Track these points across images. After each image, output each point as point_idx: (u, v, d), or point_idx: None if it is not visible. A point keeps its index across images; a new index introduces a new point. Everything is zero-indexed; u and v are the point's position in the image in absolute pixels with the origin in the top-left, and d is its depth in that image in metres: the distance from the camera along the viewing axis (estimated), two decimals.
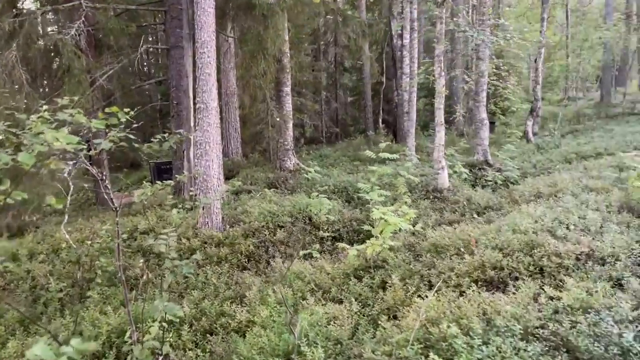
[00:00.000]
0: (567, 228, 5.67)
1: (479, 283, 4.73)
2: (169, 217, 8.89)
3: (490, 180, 10.57)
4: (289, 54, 14.48)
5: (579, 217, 6.06)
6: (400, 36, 22.12)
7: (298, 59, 21.36)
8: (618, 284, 4.24)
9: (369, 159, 16.37)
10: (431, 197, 9.65)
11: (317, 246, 7.59)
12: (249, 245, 7.59)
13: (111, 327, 4.88)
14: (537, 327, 3.41)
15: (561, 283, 4.43)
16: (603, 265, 4.71)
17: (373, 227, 6.15)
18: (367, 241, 6.32)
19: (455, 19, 10.71)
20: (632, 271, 4.45)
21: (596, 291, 3.95)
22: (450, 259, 5.41)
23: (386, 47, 26.05)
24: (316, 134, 25.91)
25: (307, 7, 13.93)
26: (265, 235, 7.92)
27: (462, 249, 5.60)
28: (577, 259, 4.83)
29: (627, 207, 6.93)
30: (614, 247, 4.99)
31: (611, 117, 22.38)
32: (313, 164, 14.79)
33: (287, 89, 14.61)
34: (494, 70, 19.00)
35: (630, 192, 7.22)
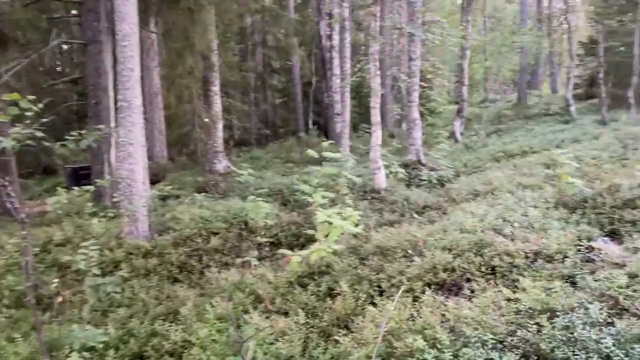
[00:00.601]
0: (512, 226, 5.61)
1: (432, 286, 4.49)
2: (89, 226, 8.07)
3: (425, 180, 10.57)
4: (217, 51, 13.88)
5: (521, 215, 6.04)
6: (330, 37, 22.03)
7: (226, 59, 20.72)
8: (572, 282, 4.15)
9: (302, 161, 16.13)
10: (369, 197, 9.46)
11: (255, 253, 7.14)
12: (180, 255, 7.00)
13: (20, 358, 4.19)
14: (505, 334, 3.20)
15: (515, 283, 4.29)
16: (552, 262, 4.63)
17: (316, 231, 5.80)
18: (311, 246, 5.97)
19: (391, 14, 10.61)
20: (583, 268, 4.39)
21: (555, 291, 3.82)
22: (399, 261, 5.16)
23: (314, 49, 25.95)
24: (246, 136, 25.27)
25: (236, 3, 13.40)
26: (198, 243, 7.35)
27: (409, 251, 5.38)
28: (527, 257, 4.73)
29: (562, 203, 7.04)
30: (559, 244, 4.96)
31: (529, 118, 23.45)
32: (245, 167, 14.26)
33: (216, 88, 14.00)
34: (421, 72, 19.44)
35: (564, 188, 7.36)
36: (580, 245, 5.04)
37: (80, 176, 13.50)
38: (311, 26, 24.46)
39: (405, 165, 12.13)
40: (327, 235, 5.30)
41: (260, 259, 7.40)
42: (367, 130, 24.18)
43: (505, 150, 13.33)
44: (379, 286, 4.85)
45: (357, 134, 22.28)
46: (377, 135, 9.66)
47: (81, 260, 3.83)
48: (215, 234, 7.69)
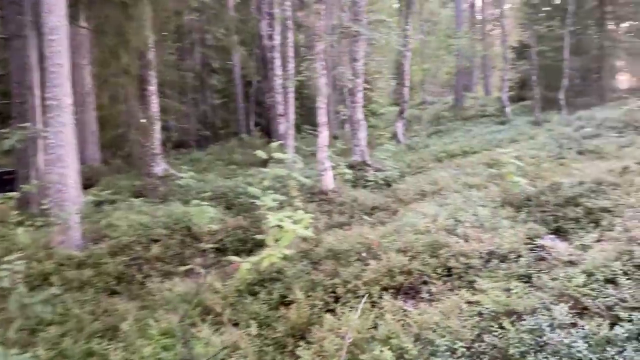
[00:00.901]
0: (464, 226, 5.58)
1: (390, 290, 4.35)
2: (14, 237, 7.39)
3: (372, 180, 10.53)
4: (154, 49, 13.27)
5: (471, 214, 6.04)
6: (271, 37, 21.67)
7: (163, 57, 19.96)
8: (529, 282, 4.13)
9: (246, 163, 15.74)
10: (317, 199, 9.28)
11: (200, 260, 6.78)
12: (117, 265, 6.52)
13: None
14: (471, 340, 3.08)
15: (472, 284, 4.23)
16: (506, 262, 4.61)
17: (265, 235, 5.54)
18: (259, 251, 5.71)
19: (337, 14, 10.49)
20: (537, 267, 4.39)
21: (514, 292, 3.76)
22: (354, 265, 4.99)
23: (255, 49, 25.55)
24: (185, 137, 24.47)
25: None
26: (138, 251, 6.89)
27: (363, 254, 5.23)
28: (482, 257, 4.69)
29: (507, 202, 7.14)
30: (511, 243, 4.96)
31: (466, 119, 24.13)
32: (185, 169, 13.73)
33: (153, 87, 13.38)
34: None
35: (509, 187, 7.48)
36: (532, 244, 5.07)
37: (3, 181, 12.47)
38: (252, 25, 24.03)
39: (350, 166, 12.05)
40: (278, 240, 5.05)
41: (205, 266, 7.04)
42: (310, 131, 24.14)
43: (447, 151, 13.56)
44: (334, 292, 4.65)
45: (301, 135, 22.12)
46: (324, 136, 9.50)
47: (4, 277, 3.37)
48: (156, 241, 7.25)
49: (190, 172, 12.48)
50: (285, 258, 5.50)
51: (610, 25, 19.02)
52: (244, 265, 5.07)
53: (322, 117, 9.49)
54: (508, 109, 19.00)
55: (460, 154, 13.21)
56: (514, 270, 4.36)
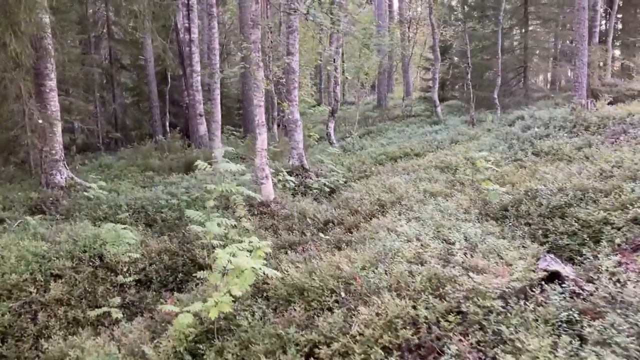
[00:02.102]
0: (457, 249, 4.56)
1: (395, 353, 3.19)
2: None
3: (316, 188, 9.36)
4: (52, 39, 11.25)
5: (457, 232, 5.05)
6: (188, 30, 20.01)
7: (64, 50, 17.58)
8: (579, 335, 3.13)
9: (164, 168, 13.98)
10: (256, 212, 7.97)
11: (118, 300, 5.26)
12: (2, 315, 4.86)
13: None
14: None
15: (503, 339, 3.18)
16: (530, 301, 3.62)
17: (210, 272, 4.20)
18: (196, 284, 4.38)
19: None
20: (575, 308, 3.43)
21: (567, 350, 2.75)
22: (334, 312, 3.78)
23: (169, 44, 23.53)
24: (92, 140, 22.02)
25: None
26: (31, 293, 5.23)
27: (342, 294, 4.03)
28: (499, 295, 3.66)
29: (484, 213, 6.27)
30: (523, 272, 4.00)
31: (393, 120, 23.73)
32: (93, 178, 11.81)
33: (52, 83, 11.33)
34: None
35: (482, 195, 6.61)
36: (546, 271, 4.13)
37: None
38: (166, 16, 22.04)
39: (287, 172, 10.83)
40: (233, 281, 3.75)
41: (124, 306, 5.54)
42: (233, 132, 22.60)
43: (387, 153, 12.71)
44: (313, 355, 3.42)
45: (223, 136, 20.53)
46: (262, 139, 8.19)
47: None
48: (58, 277, 5.62)
49: (99, 181, 10.68)
50: (236, 299, 4.21)
51: (533, 26, 19.24)
52: (182, 319, 3.71)
53: (259, 116, 8.18)
54: (439, 109, 18.65)
55: (401, 156, 12.40)
56: (550, 314, 3.36)
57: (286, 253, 6.12)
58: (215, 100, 11.85)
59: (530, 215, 5.93)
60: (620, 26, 27.27)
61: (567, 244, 5.19)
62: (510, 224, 5.82)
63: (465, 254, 4.37)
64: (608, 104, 12.26)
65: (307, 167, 11.31)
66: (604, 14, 21.29)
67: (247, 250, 4.07)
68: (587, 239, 5.10)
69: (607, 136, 8.89)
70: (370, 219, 6.89)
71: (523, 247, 4.96)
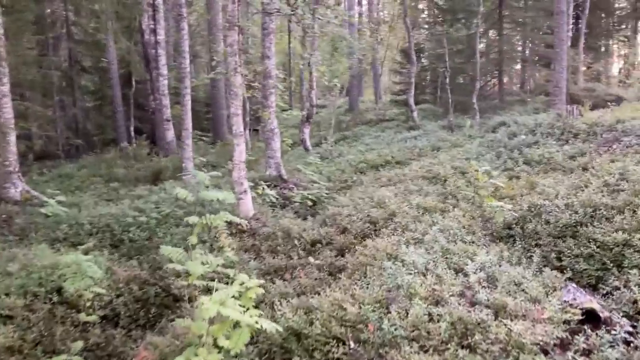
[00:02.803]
0: (474, 282, 4.01)
1: None
2: None
3: (298, 202, 8.72)
4: (3, 40, 10.30)
5: (470, 260, 4.51)
6: (154, 31, 19.13)
7: (18, 53, 16.46)
8: None
9: (130, 179, 13.10)
10: (235, 230, 7.29)
11: (80, 343, 4.51)
12: None
13: None
14: None
15: None
16: (580, 355, 3.09)
17: (190, 305, 3.53)
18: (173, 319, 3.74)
19: None
20: None
21: None
22: None
23: (134, 46, 22.49)
24: (51, 147, 20.77)
25: None
26: None
27: (351, 343, 3.43)
28: (540, 347, 3.11)
29: (489, 234, 5.77)
30: (555, 312, 3.48)
31: (366, 124, 23.29)
32: (52, 191, 10.86)
33: (4, 88, 10.38)
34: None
35: (485, 212, 6.12)
36: (578, 310, 3.62)
37: None
38: (131, 17, 21.04)
39: (265, 182, 10.17)
40: (226, 338, 3.10)
41: (87, 349, 4.79)
42: (202, 137, 21.71)
43: (367, 161, 12.17)
44: None
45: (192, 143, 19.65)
46: (240, 150, 7.52)
47: None
48: (8, 318, 4.81)
49: (59, 196, 9.77)
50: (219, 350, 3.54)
51: (507, 30, 19.10)
52: None
53: (237, 126, 7.50)
54: (415, 114, 18.27)
55: (382, 164, 11.88)
56: None
57: (272, 281, 5.49)
58: (185, 106, 11.08)
59: (538, 235, 5.46)
60: (586, 30, 27.64)
61: (585, 269, 4.73)
62: (520, 245, 5.33)
63: (485, 287, 3.84)
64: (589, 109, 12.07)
65: (286, 178, 10.69)
66: (573, 19, 21.38)
67: (237, 292, 3.42)
68: (609, 263, 4.64)
69: (600, 144, 8.58)
70: (363, 239, 6.31)
71: (539, 271, 4.48)
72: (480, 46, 21.10)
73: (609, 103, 12.60)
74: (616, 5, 26.61)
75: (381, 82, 37.56)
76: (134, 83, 22.25)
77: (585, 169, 7.45)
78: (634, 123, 8.76)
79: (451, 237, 5.35)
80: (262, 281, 3.74)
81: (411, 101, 18.46)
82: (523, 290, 3.88)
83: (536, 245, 5.30)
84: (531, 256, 5.07)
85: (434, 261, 4.52)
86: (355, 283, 4.45)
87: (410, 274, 4.14)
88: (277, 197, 8.68)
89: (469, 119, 15.41)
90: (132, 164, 14.30)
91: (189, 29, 34.36)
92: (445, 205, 7.09)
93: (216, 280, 3.51)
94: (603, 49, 28.28)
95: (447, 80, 16.19)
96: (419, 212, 6.80)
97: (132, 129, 21.46)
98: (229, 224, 7.46)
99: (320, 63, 15.52)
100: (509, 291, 3.84)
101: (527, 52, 19.11)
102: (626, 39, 24.68)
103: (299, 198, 8.69)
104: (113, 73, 20.52)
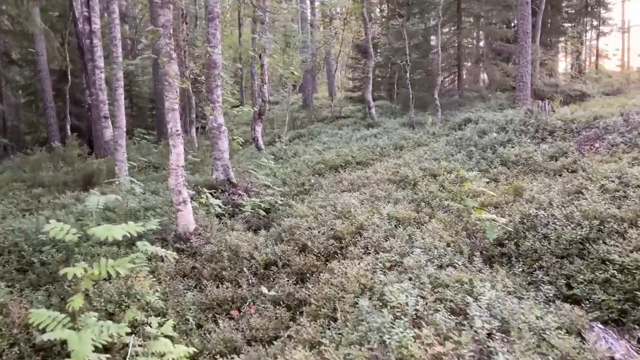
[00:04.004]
0: (483, 332, 3.01)
1: None
2: None
3: (250, 211, 7.53)
4: None
5: (466, 293, 3.52)
6: (88, 20, 17.43)
7: None
8: None
9: (57, 184, 11.51)
10: (172, 248, 6.05)
11: None
12: None
13: None
14: None
15: None
16: None
17: None
18: None
19: None
20: None
21: None
22: None
23: (68, 36, 20.57)
24: None
25: None
26: None
27: None
28: None
29: (478, 250, 4.81)
30: None
31: (321, 121, 22.28)
32: None
33: None
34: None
35: (477, 227, 5.15)
36: None
37: None
38: (64, 4, 19.22)
39: (210, 188, 8.94)
40: None
41: None
42: (145, 136, 20.06)
43: (325, 161, 11.08)
44: None
45: (133, 141, 18.01)
46: (177, 152, 6.27)
47: None
48: None
49: None
50: None
51: (465, 24, 18.49)
52: None
53: (173, 123, 6.25)
54: (373, 110, 17.37)
55: (342, 164, 10.83)
56: None
57: (215, 320, 4.33)
58: (118, 101, 9.63)
59: (537, 254, 4.55)
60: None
61: (603, 300, 3.84)
62: (519, 268, 4.40)
63: (499, 340, 2.83)
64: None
65: (235, 182, 9.48)
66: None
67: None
68: (633, 291, 3.76)
69: (580, 143, 7.84)
70: (327, 260, 5.25)
71: (549, 302, 3.55)
72: (435, 40, 20.48)
73: (585, 98, 12.06)
74: (564, 3, 26.67)
75: (335, 79, 36.67)
76: (69, 77, 20.36)
77: (572, 171, 6.66)
78: (615, 120, 8.08)
79: (436, 259, 4.35)
80: (190, 349, 2.60)
81: (369, 97, 17.54)
82: (548, 342, 2.91)
83: (539, 267, 4.38)
84: (535, 283, 4.14)
85: (422, 297, 3.49)
86: (323, 332, 3.36)
87: (397, 319, 3.08)
88: (223, 206, 7.45)
89: (430, 115, 14.61)
90: (61, 167, 12.67)
91: (134, 20, 32.32)
92: (420, 215, 6.11)
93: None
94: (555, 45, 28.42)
95: (408, 75, 15.33)
96: (390, 225, 5.79)
97: (68, 126, 19.59)
98: (164, 240, 6.24)
99: (271, 52, 14.32)
100: (532, 347, 2.85)
101: (483, 46, 18.55)
102: (578, 35, 24.69)
103: (249, 207, 7.50)
104: (42, 65, 18.62)
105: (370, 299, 3.57)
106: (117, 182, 9.49)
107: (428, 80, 19.20)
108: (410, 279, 3.89)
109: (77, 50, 19.29)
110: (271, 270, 5.30)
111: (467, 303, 3.31)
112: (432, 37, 20.16)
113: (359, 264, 4.53)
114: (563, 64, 32.69)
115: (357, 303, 3.71)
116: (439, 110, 14.16)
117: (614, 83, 17.43)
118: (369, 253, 4.94)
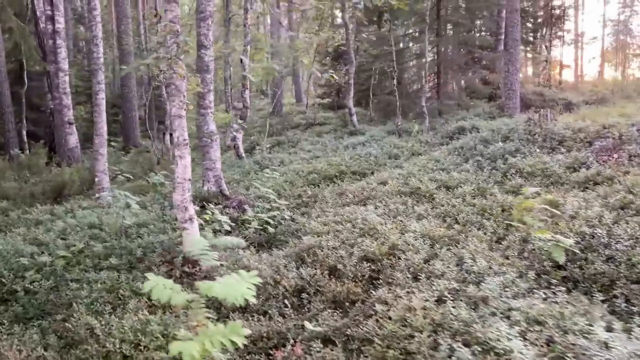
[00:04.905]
0: None
1: None
2: None
3: (256, 227, 6.86)
4: None
5: (584, 336, 3.03)
6: (52, 19, 16.36)
7: None
8: None
9: (23, 197, 10.44)
10: (180, 274, 5.35)
11: None
12: None
13: None
14: None
15: None
16: None
17: None
18: None
19: None
20: None
21: None
22: None
23: (28, 36, 19.22)
24: None
25: None
26: None
27: None
28: None
29: (541, 273, 4.36)
30: None
31: (295, 128, 21.67)
32: None
33: None
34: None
35: (542, 251, 4.70)
36: None
37: None
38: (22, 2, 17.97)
39: (202, 200, 8.24)
40: None
41: None
42: (111, 142, 18.92)
43: (318, 171, 10.50)
44: None
45: (92, 149, 16.85)
46: (185, 163, 5.58)
47: None
48: None
49: None
50: None
51: (444, 32, 18.36)
52: None
53: (181, 131, 5.57)
54: (355, 118, 16.94)
55: (336, 174, 10.28)
56: None
57: None
58: (99, 106, 8.73)
59: (606, 278, 4.13)
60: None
61: None
62: (595, 297, 3.95)
63: None
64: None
65: (228, 194, 8.79)
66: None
67: None
68: None
69: (596, 153, 7.59)
70: (364, 285, 4.68)
71: None
72: (416, 48, 20.30)
73: (572, 106, 11.97)
74: (530, 14, 27.16)
75: (302, 85, 36.17)
76: (26, 80, 19.02)
77: (597, 183, 6.38)
78: (629, 130, 7.89)
79: (508, 287, 3.86)
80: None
81: (350, 104, 17.10)
82: None
83: (621, 294, 3.94)
84: (617, 312, 3.72)
85: (524, 338, 2.98)
86: None
87: None
88: (232, 223, 6.75)
89: (415, 123, 14.26)
90: (27, 177, 11.58)
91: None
92: (452, 232, 5.64)
93: None
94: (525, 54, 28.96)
95: (395, 82, 14.96)
96: (424, 243, 5.29)
97: (24, 133, 18.24)
98: (170, 263, 5.53)
99: (244, 60, 13.65)
100: None
101: (462, 54, 18.43)
102: (549, 44, 25.15)
103: (256, 222, 6.84)
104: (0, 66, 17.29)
105: (453, 341, 3.04)
106: (96, 196, 8.65)
107: (406, 88, 18.98)
108: (493, 314, 3.38)
109: (37, 51, 18.03)
110: (303, 299, 4.68)
111: (585, 347, 2.82)
112: (411, 44, 19.99)
113: (415, 292, 4.00)
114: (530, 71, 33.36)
115: (437, 345, 3.18)
116: (426, 118, 13.84)
117: (597, 92, 17.65)
118: (418, 279, 4.41)
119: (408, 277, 4.48)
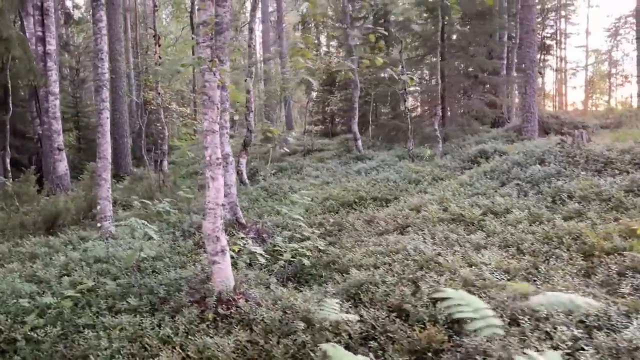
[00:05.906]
0: None
1: None
2: None
3: (293, 259, 6.04)
4: None
5: None
6: (42, 40, 15.70)
7: None
8: None
9: (11, 228, 9.45)
10: (213, 316, 4.49)
11: None
12: None
13: None
14: None
15: None
16: None
17: None
18: None
19: None
20: None
21: None
22: None
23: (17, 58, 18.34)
24: None
25: None
26: None
27: None
28: None
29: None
30: None
31: (293, 154, 20.96)
32: None
33: None
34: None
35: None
36: None
37: None
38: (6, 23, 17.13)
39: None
40: None
41: None
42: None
43: (334, 197, 9.75)
44: None
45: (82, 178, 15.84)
46: (217, 186, 4.80)
47: None
48: None
49: None
50: None
51: (449, 55, 18.00)
52: None
53: (213, 148, 4.80)
54: (359, 142, 16.31)
55: (355, 200, 9.53)
56: None
57: None
58: (103, 126, 7.85)
59: None
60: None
61: None
62: None
63: None
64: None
65: (244, 222, 7.98)
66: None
67: None
68: None
69: None
70: (446, 330, 3.90)
71: None
72: (419, 71, 19.94)
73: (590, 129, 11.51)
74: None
75: (292, 111, 35.72)
76: (10, 105, 18.06)
77: None
78: None
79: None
80: None
81: (355, 129, 16.48)
82: None
83: None
84: None
85: None
86: None
87: None
88: (266, 255, 5.90)
89: (427, 147, 13.68)
90: (16, 206, 10.59)
91: (77, 49, 30.04)
92: (525, 264, 4.91)
93: None
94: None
95: (408, 105, 14.41)
96: (499, 278, 4.55)
97: (7, 160, 17.20)
98: (200, 304, 4.67)
99: (249, 82, 12.98)
100: None
101: (467, 77, 18.05)
102: (543, 72, 25.12)
103: (289, 254, 6.01)
104: None
105: None
106: (99, 225, 7.75)
107: (409, 113, 18.47)
108: None
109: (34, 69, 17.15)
110: (370, 347, 3.87)
111: None
112: (413, 70, 19.61)
113: (530, 344, 3.23)
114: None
115: None
116: (439, 142, 13.27)
117: (614, 116, 17.40)
118: (519, 323, 3.64)
119: (505, 321, 3.71)
